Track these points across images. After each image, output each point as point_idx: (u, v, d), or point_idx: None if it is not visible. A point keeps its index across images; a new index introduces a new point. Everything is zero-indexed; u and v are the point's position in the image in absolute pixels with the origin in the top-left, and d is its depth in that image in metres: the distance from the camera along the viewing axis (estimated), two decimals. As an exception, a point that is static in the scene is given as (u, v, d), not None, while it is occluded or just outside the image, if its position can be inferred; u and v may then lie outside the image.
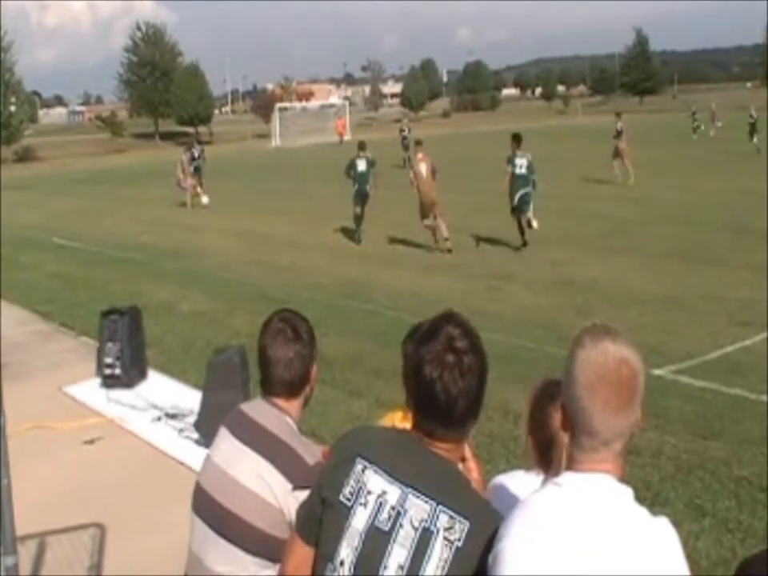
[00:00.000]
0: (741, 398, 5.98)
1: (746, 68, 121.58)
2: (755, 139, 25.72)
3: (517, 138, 13.09)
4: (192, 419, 5.90)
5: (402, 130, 29.80)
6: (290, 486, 2.02)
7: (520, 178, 12.76)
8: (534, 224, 12.62)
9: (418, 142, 13.96)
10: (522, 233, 12.65)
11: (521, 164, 12.79)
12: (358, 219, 14.34)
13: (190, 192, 20.28)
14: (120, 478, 5.21)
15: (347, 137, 51.31)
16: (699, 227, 13.56)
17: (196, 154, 21.30)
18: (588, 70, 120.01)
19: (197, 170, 21.19)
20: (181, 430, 5.94)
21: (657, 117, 62.61)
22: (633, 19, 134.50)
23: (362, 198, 14.44)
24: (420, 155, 13.29)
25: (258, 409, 2.20)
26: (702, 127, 32.34)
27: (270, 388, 2.19)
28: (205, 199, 20.38)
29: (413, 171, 13.26)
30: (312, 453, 2.09)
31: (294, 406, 2.19)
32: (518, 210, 12.76)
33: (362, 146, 15.27)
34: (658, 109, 74.38)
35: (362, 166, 14.61)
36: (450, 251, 12.45)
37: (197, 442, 5.58)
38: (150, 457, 5.61)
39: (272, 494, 2.04)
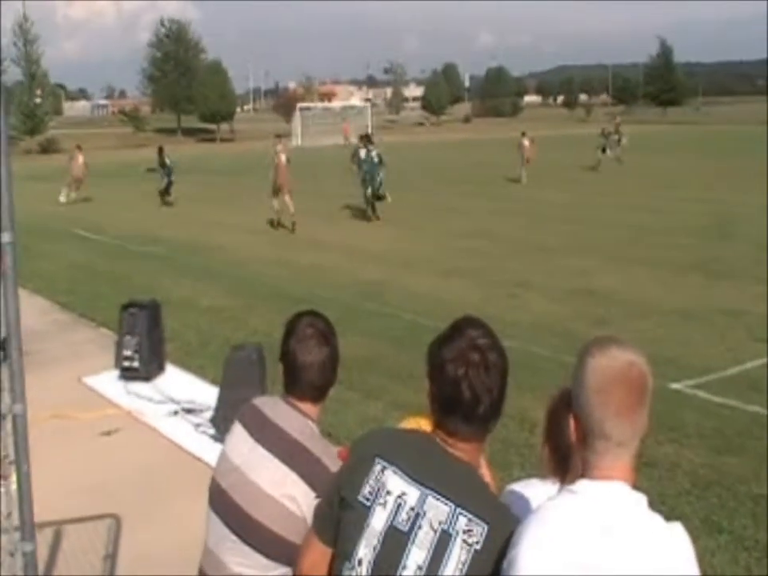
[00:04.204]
0: (759, 415, 5.91)
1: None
2: (608, 152, 28.06)
3: (367, 137, 18.79)
4: (209, 414, 5.94)
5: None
6: (313, 495, 1.99)
7: (374, 165, 17.12)
8: (389, 197, 17.19)
9: (278, 136, 18.34)
10: (374, 210, 16.79)
11: (372, 156, 17.34)
12: (368, 199, 17.36)
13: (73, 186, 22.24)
14: (136, 471, 5.24)
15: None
16: (719, 239, 13.50)
17: (168, 161, 21.47)
18: (611, 78, 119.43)
19: (169, 182, 21.24)
20: (198, 425, 5.97)
21: (680, 128, 62.29)
22: (656, 29, 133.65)
23: (370, 180, 17.39)
24: (280, 146, 17.19)
25: (279, 411, 2.16)
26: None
27: (297, 392, 2.15)
28: (73, 195, 22.20)
29: (277, 159, 16.80)
30: (334, 459, 2.05)
31: (317, 409, 2.17)
32: (375, 191, 16.84)
33: (368, 138, 19.08)
34: (681, 120, 73.95)
35: (363, 154, 18.06)
36: (293, 229, 15.54)
37: (213, 437, 5.62)
38: (167, 450, 5.65)
39: (295, 502, 2.02)
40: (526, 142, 26.00)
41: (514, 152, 26.17)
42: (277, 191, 16.29)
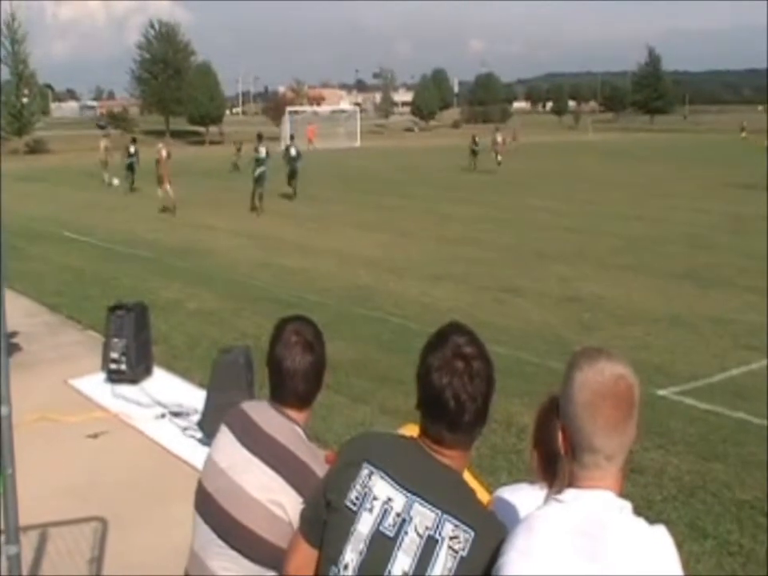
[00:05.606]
0: (744, 421, 5.97)
1: (758, 91, 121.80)
2: (475, 165, 31.73)
3: (259, 136, 20.61)
4: (196, 418, 5.92)
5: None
6: (300, 500, 1.99)
7: (260, 160, 19.58)
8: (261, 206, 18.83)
9: (162, 133, 22.35)
10: (257, 200, 18.96)
11: (261, 152, 19.70)
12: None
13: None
14: (123, 474, 5.21)
15: (357, 143, 51.61)
16: (707, 248, 13.60)
17: (132, 150, 24.07)
18: (599, 86, 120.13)
19: (130, 166, 23.78)
20: (185, 429, 5.95)
21: (667, 136, 62.77)
22: (646, 38, 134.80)
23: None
24: (161, 145, 20.83)
25: (266, 417, 2.15)
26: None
27: (282, 398, 2.15)
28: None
29: (158, 155, 19.71)
30: (321, 463, 2.06)
31: (304, 414, 2.17)
32: (257, 183, 19.09)
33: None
34: (668, 128, 74.51)
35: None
36: (175, 212, 18.46)
37: (200, 440, 5.59)
38: (153, 453, 5.62)
39: (282, 507, 2.01)
40: (499, 138, 30.81)
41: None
42: (161, 182, 19.11)
